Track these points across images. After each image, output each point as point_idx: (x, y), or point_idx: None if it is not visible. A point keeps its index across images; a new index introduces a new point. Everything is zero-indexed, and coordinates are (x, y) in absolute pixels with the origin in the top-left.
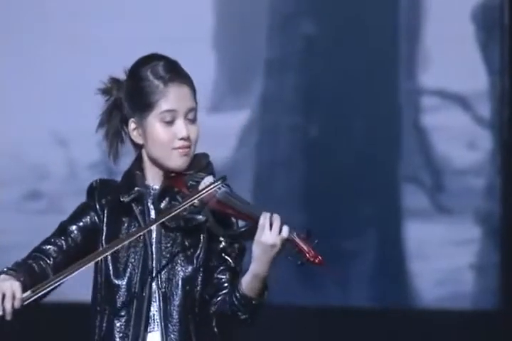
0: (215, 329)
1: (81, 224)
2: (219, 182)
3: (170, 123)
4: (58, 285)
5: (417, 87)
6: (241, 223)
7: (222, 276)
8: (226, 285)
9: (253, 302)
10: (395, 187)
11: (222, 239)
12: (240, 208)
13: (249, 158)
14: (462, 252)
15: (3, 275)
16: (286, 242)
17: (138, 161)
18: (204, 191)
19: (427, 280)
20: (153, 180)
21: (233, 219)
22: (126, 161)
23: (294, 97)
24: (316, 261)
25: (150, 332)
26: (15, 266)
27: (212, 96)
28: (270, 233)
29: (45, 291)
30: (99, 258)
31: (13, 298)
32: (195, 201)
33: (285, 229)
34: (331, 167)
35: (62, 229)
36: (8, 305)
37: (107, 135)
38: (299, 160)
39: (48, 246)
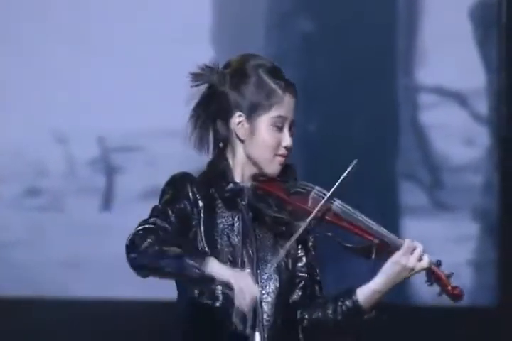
0: (300, 335)
1: (175, 210)
2: (331, 195)
3: (279, 129)
4: None
5: (415, 84)
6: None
7: (309, 287)
8: (318, 294)
9: (365, 316)
10: (393, 184)
11: (312, 249)
12: (359, 223)
13: None
14: (460, 249)
15: (212, 259)
16: (423, 270)
17: (224, 156)
18: (323, 202)
19: (424, 277)
20: (242, 178)
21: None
22: (129, 156)
23: None
24: (456, 292)
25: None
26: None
27: None
28: (412, 257)
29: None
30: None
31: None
32: (314, 213)
33: (426, 257)
34: (329, 163)
35: (163, 211)
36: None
37: (199, 125)
38: (297, 156)
39: (161, 225)
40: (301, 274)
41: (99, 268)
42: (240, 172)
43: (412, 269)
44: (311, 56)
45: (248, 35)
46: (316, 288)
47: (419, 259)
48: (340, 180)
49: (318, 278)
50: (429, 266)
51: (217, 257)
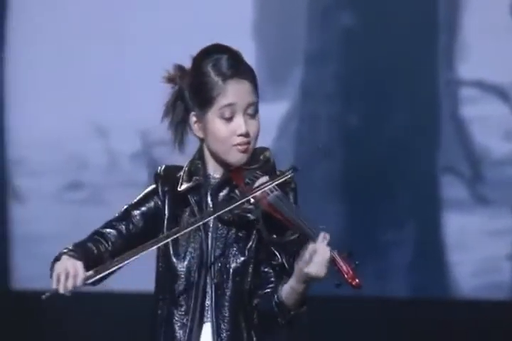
0: (255, 321)
1: (144, 209)
2: (270, 183)
3: (229, 119)
4: (119, 268)
5: (456, 77)
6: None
7: (270, 270)
8: (272, 279)
9: (291, 312)
10: (434, 177)
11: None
12: (287, 215)
13: (289, 147)
14: (500, 242)
15: (64, 256)
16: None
17: (200, 151)
18: (255, 192)
19: (465, 270)
20: (215, 169)
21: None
22: (171, 150)
23: (334, 87)
24: (354, 283)
25: (205, 322)
26: (74, 247)
27: None
28: (312, 264)
29: (107, 272)
30: (159, 245)
31: (76, 276)
32: (251, 200)
33: (326, 253)
34: (370, 157)
35: (126, 213)
36: (70, 283)
37: (172, 124)
38: (338, 150)
39: (109, 230)
40: (252, 259)
41: (138, 262)
42: (213, 165)
43: (316, 273)
44: (352, 50)
45: (290, 29)
46: (272, 272)
47: (321, 262)
48: (275, 181)
49: (274, 262)
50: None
51: (179, 250)
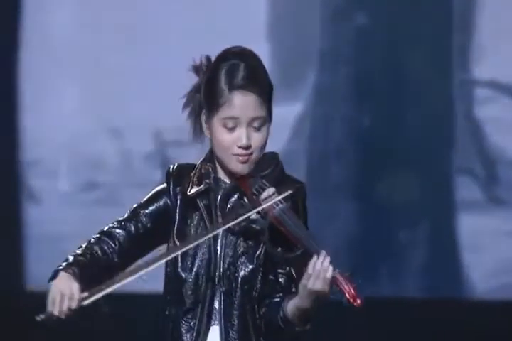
0: (263, 329)
1: (153, 208)
2: (278, 197)
3: (232, 129)
4: (117, 287)
5: (471, 78)
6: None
7: (278, 279)
8: (280, 289)
9: (296, 328)
10: (449, 178)
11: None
12: (291, 229)
13: (303, 148)
14: None
15: (62, 273)
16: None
17: (211, 152)
18: (261, 205)
19: (480, 271)
20: (225, 174)
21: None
22: (185, 150)
23: (347, 88)
24: (355, 304)
25: (213, 325)
26: (76, 258)
27: None
28: (317, 280)
29: (103, 294)
30: (160, 263)
31: (71, 298)
32: (259, 211)
33: (329, 269)
34: (384, 158)
35: (134, 213)
36: (65, 306)
37: (190, 115)
38: (352, 150)
39: (118, 230)
40: (260, 268)
41: None
42: (222, 169)
43: (321, 290)
44: (365, 50)
45: (303, 27)
46: (280, 281)
47: (324, 278)
48: (282, 196)
49: (287, 271)
50: (333, 275)
51: (187, 255)
